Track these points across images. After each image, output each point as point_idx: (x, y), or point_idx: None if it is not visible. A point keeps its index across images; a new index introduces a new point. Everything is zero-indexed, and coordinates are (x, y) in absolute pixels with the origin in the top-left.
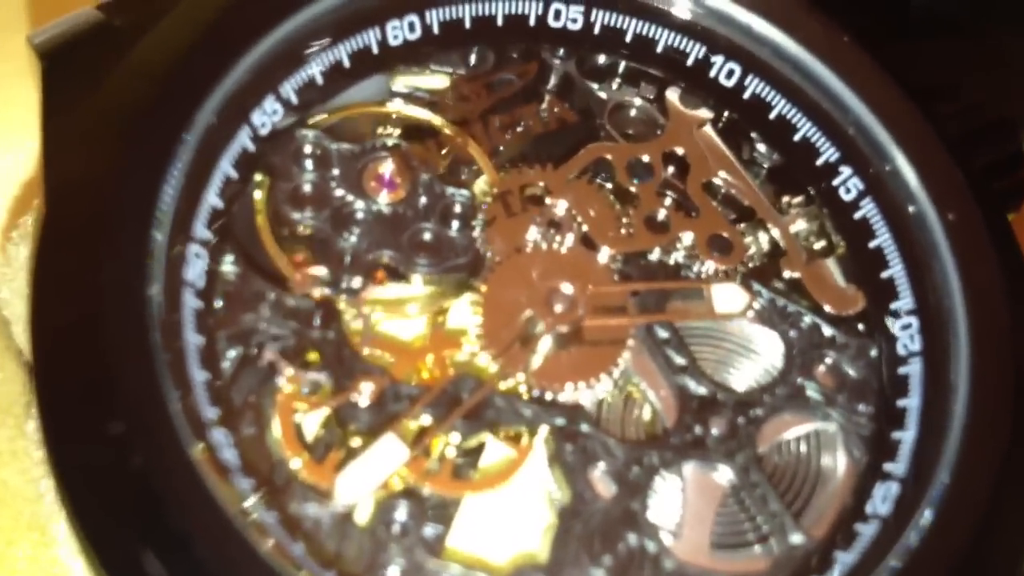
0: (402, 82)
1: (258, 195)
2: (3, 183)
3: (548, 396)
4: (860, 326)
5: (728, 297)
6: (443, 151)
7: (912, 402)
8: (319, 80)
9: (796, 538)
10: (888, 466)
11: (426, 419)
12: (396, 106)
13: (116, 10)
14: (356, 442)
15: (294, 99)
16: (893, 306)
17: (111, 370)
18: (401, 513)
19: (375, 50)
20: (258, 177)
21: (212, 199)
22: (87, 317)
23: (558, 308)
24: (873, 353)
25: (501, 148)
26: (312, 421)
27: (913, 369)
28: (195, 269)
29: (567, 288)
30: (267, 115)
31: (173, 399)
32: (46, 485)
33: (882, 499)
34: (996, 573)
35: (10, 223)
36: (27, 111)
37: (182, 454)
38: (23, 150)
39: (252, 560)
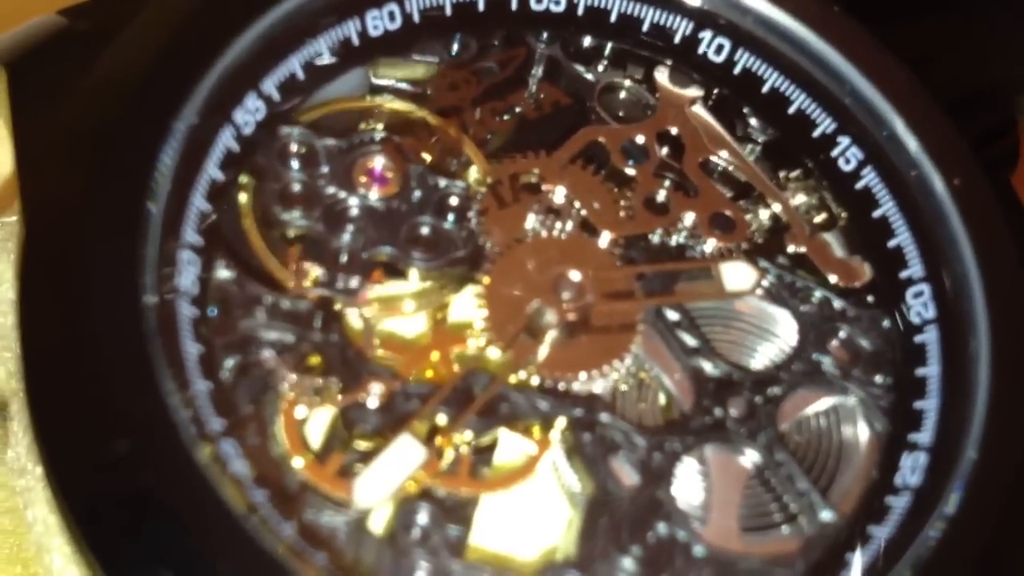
0: (383, 75)
1: (244, 197)
2: None
3: (562, 387)
4: (870, 297)
5: (737, 275)
6: (432, 142)
7: (932, 370)
8: (300, 75)
9: (826, 515)
10: (913, 436)
11: (439, 418)
12: (383, 99)
13: (79, 15)
14: (363, 445)
15: (276, 96)
16: (903, 275)
17: (111, 387)
18: (421, 516)
19: (356, 42)
20: (243, 179)
21: (199, 203)
22: (82, 335)
23: (565, 295)
24: (886, 324)
25: (490, 137)
26: (318, 427)
27: (929, 337)
28: (187, 276)
29: (574, 275)
30: (250, 113)
31: (178, 412)
32: (33, 515)
33: (911, 470)
34: None
35: None
36: None
37: (193, 469)
38: None
39: (275, 573)
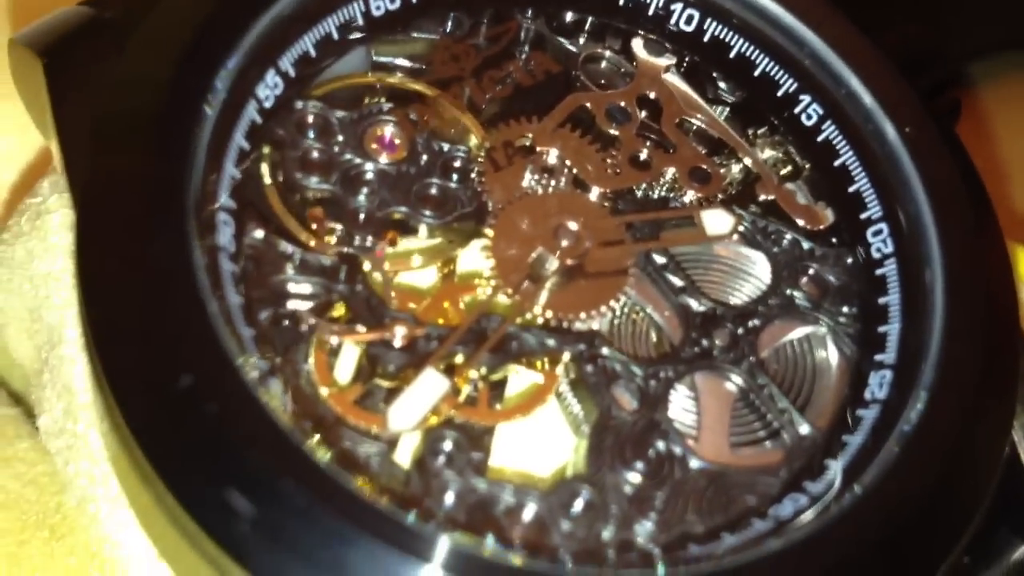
0: (383, 52)
1: (267, 165)
2: None
3: (565, 325)
4: (834, 238)
5: (716, 221)
6: (434, 111)
7: (892, 299)
8: (312, 53)
9: (804, 429)
10: (879, 356)
11: (457, 357)
12: (387, 74)
13: (103, 4)
14: (385, 383)
15: (292, 72)
16: (863, 216)
17: (177, 332)
18: (446, 444)
19: (360, 21)
20: (266, 148)
21: (231, 170)
22: (143, 290)
23: (564, 243)
24: (850, 260)
25: (484, 107)
26: (347, 368)
27: (889, 270)
28: (225, 235)
29: (571, 224)
30: (270, 88)
31: (234, 353)
32: (75, 469)
33: (879, 385)
34: (988, 443)
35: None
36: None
37: (253, 400)
38: None
39: (336, 490)
